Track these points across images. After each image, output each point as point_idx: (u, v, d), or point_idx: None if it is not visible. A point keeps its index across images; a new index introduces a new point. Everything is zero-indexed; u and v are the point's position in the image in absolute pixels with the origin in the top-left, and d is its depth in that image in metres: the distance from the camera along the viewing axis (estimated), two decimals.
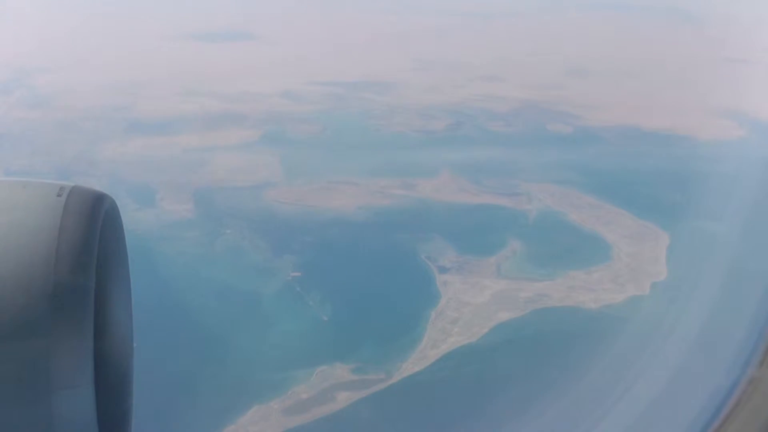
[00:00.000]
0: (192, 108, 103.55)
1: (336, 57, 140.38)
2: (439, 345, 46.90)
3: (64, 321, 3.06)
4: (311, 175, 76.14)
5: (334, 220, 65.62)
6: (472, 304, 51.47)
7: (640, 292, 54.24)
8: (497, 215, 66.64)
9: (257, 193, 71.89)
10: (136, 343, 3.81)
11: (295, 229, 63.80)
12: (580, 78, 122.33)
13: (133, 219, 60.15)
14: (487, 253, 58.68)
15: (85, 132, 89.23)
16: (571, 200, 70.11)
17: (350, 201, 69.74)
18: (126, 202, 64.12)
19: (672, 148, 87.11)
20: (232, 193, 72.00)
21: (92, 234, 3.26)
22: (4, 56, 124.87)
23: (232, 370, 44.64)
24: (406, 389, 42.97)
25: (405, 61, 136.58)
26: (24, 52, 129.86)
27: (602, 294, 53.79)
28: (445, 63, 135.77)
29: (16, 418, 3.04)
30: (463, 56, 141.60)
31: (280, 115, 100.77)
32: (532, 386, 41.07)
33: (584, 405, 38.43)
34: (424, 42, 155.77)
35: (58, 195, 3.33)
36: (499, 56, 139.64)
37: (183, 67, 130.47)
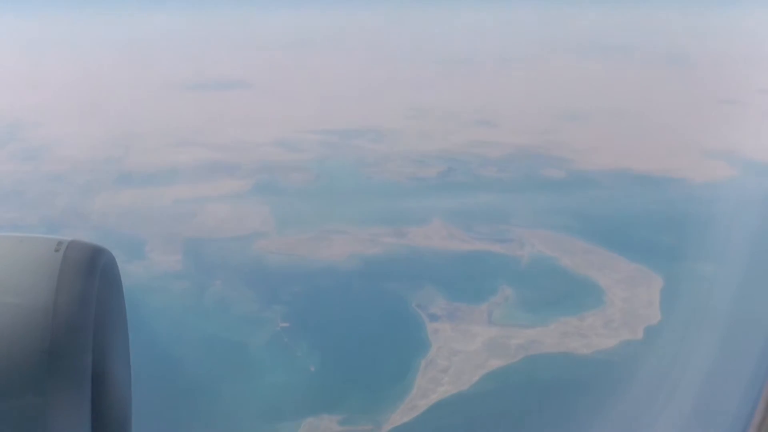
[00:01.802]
0: (184, 158, 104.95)
1: (329, 105, 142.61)
2: (429, 394, 47.10)
3: (61, 378, 3.04)
4: (302, 225, 76.96)
5: (324, 269, 66.23)
6: (462, 352, 51.78)
7: (634, 337, 54.52)
8: (489, 262, 67.28)
9: (247, 243, 72.60)
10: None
11: (284, 279, 64.34)
12: (573, 122, 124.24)
13: (122, 271, 60.52)
14: (478, 300, 59.16)
15: (75, 184, 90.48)
16: (564, 245, 70.79)
17: (341, 250, 70.45)
18: (115, 253, 63.98)
19: (665, 191, 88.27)
20: (222, 243, 72.69)
21: (90, 289, 3.26)
22: None
23: (219, 422, 44.77)
24: None
25: (398, 108, 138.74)
26: (17, 104, 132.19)
27: (595, 339, 54.09)
28: (438, 109, 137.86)
29: None
30: (457, 102, 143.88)
31: (272, 164, 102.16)
32: None
33: None
34: (418, 89, 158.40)
35: (56, 250, 3.34)
36: (492, 102, 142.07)
37: (175, 117, 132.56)
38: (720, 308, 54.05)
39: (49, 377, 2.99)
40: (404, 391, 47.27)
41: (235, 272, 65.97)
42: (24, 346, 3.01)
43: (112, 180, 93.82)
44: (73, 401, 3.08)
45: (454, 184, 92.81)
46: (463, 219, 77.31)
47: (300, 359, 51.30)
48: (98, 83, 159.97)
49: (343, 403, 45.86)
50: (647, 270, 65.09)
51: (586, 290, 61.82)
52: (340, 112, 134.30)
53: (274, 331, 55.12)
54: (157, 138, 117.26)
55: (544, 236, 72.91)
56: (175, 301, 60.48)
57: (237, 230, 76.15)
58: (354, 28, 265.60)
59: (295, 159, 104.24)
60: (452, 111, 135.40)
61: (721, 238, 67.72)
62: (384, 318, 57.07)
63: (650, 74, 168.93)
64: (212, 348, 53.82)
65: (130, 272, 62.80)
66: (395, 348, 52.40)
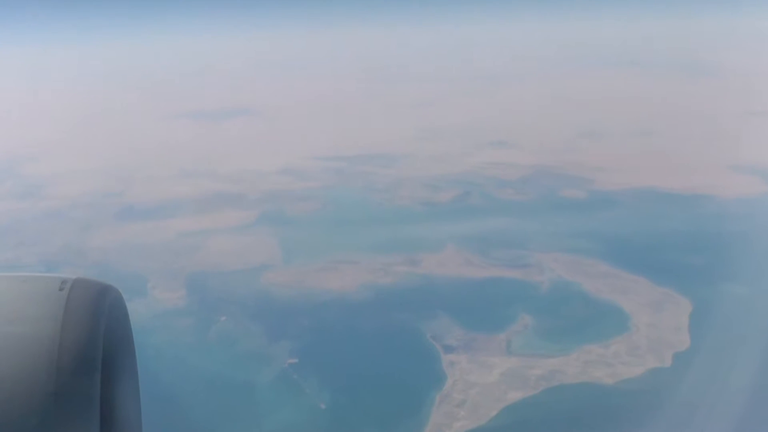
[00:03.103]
0: (187, 190, 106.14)
1: (337, 130, 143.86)
2: (444, 430, 47.01)
3: (67, 422, 3.05)
4: (310, 255, 77.42)
5: (333, 301, 66.51)
6: (479, 385, 51.70)
7: (661, 365, 54.17)
8: (506, 288, 67.30)
9: (253, 276, 73.07)
10: None
11: (292, 312, 64.64)
12: (592, 139, 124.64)
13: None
14: (495, 329, 59.14)
15: (74, 220, 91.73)
16: (585, 269, 70.73)
17: (351, 281, 70.75)
18: None
19: (693, 208, 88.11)
20: (227, 277, 73.22)
21: (96, 329, 3.30)
22: None
23: None
24: None
25: (409, 130, 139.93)
26: (13, 141, 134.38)
27: (620, 368, 53.79)
28: (451, 130, 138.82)
29: None
30: (471, 122, 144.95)
31: (278, 193, 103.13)
32: None
33: None
34: (430, 110, 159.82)
35: (60, 289, 3.39)
36: (508, 121, 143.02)
37: (177, 147, 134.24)
38: (754, 333, 53.79)
39: (54, 422, 3.01)
40: (419, 428, 47.22)
41: (240, 307, 66.37)
42: (28, 389, 3.03)
43: (112, 215, 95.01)
44: None
45: (468, 208, 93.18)
46: (479, 244, 77.52)
47: (309, 397, 51.40)
48: (96, 114, 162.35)
49: None
50: (675, 293, 64.86)
51: (609, 316, 61.63)
52: (348, 137, 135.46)
53: (282, 368, 55.29)
54: (159, 170, 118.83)
55: (564, 260, 72.90)
56: (178, 339, 60.86)
57: (242, 263, 76.70)
58: (361, 48, 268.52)
59: (301, 187, 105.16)
60: (465, 132, 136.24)
61: (754, 257, 67.54)
62: (397, 351, 57.11)
63: (673, 87, 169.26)
64: (217, 388, 54.00)
65: (131, 311, 62.63)
66: (409, 382, 52.38)
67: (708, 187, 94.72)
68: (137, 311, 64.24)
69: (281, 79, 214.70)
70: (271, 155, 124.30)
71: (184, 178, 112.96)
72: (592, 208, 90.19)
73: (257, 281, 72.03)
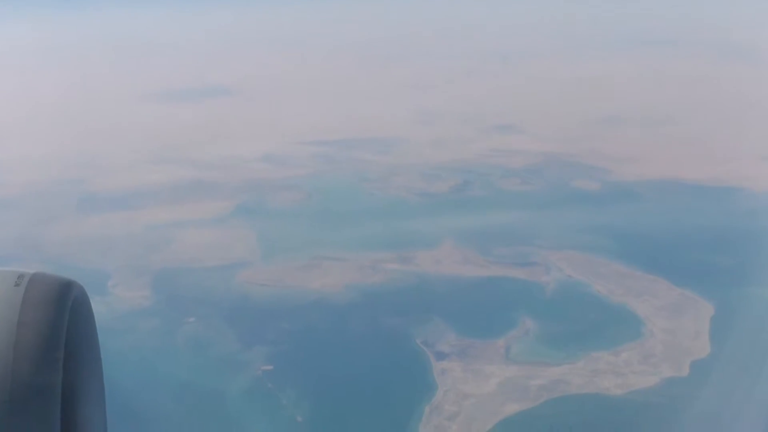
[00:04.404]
0: (157, 178, 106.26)
1: (327, 111, 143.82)
2: None
3: (24, 424, 3.10)
4: (292, 251, 77.63)
5: (316, 302, 66.74)
6: (474, 396, 51.93)
7: (677, 374, 54.38)
8: (508, 289, 67.58)
9: (228, 274, 73.28)
10: None
11: (270, 314, 64.87)
12: (611, 125, 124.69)
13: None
14: (494, 334, 59.38)
15: (29, 211, 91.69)
16: (597, 269, 70.97)
17: (336, 279, 70.97)
18: None
19: (720, 202, 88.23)
20: (199, 274, 73.43)
21: (58, 326, 3.33)
22: None
23: None
24: None
25: (407, 112, 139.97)
26: None
27: (631, 378, 54.03)
28: (454, 113, 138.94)
29: None
30: (476, 104, 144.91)
31: (258, 182, 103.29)
32: None
33: None
34: (430, 90, 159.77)
35: (17, 284, 3.44)
36: (517, 103, 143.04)
37: (147, 131, 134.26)
38: None
39: (9, 424, 3.04)
40: None
41: (212, 308, 66.57)
42: None
43: (73, 205, 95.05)
44: None
45: (469, 199, 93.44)
46: (480, 240, 77.74)
47: (285, 408, 51.62)
48: (56, 95, 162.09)
49: None
50: (695, 296, 65.14)
51: (621, 320, 61.90)
52: (338, 120, 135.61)
53: (256, 376, 55.51)
54: (126, 155, 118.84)
55: (573, 258, 73.14)
56: (141, 342, 61.02)
57: (216, 259, 76.92)
58: (355, 21, 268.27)
59: (284, 175, 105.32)
60: (469, 114, 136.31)
61: None
62: (384, 358, 57.35)
63: (703, 68, 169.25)
64: (183, 397, 54.17)
65: None
66: (396, 392, 52.56)
67: (738, 179, 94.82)
68: (97, 312, 63.51)
69: (265, 55, 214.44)
70: (251, 139, 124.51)
71: (155, 165, 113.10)
72: (607, 201, 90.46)
73: (232, 279, 72.22)
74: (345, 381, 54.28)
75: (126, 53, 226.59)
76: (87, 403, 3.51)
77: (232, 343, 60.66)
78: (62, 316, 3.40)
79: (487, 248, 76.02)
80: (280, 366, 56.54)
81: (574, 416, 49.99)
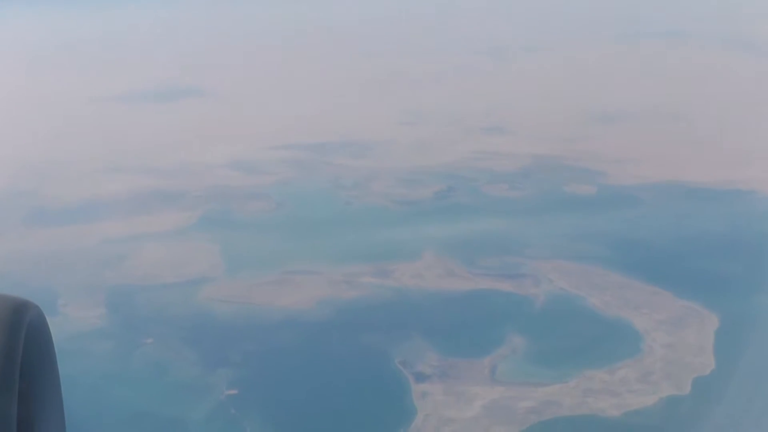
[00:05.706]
0: (114, 187, 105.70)
1: (300, 112, 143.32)
2: None
3: None
4: (259, 265, 77.50)
5: (285, 321, 66.63)
6: (457, 420, 51.92)
7: (678, 392, 54.55)
8: (494, 303, 67.69)
9: (189, 290, 73.05)
10: None
11: (235, 334, 64.73)
12: (607, 124, 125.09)
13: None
14: (478, 353, 59.40)
15: None
16: (592, 279, 71.16)
17: (308, 295, 70.88)
18: None
19: (728, 206, 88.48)
20: (157, 292, 73.15)
21: (13, 352, 3.33)
22: None
23: None
24: None
25: (387, 114, 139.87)
26: None
27: (628, 397, 54.17)
28: (438, 113, 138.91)
29: None
30: (462, 103, 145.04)
31: (224, 190, 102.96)
32: None
33: None
34: (411, 89, 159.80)
35: None
36: (505, 102, 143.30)
37: (104, 136, 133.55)
38: None
39: None
40: None
41: (171, 328, 66.35)
42: None
43: (20, 218, 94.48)
44: None
45: (453, 206, 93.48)
46: (464, 251, 77.81)
47: None
48: (6, 97, 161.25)
49: None
50: (699, 307, 65.35)
51: (618, 335, 62.10)
52: (312, 121, 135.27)
53: (219, 401, 55.29)
54: (81, 164, 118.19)
55: (566, 269, 73.30)
56: (94, 366, 60.67)
57: (177, 275, 76.68)
58: (332, 14, 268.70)
59: (252, 183, 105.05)
60: (454, 115, 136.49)
61: None
62: (359, 380, 57.31)
63: (709, 62, 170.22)
64: (142, 426, 53.97)
65: None
66: (372, 418, 52.57)
67: (748, 181, 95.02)
68: None
69: (240, 52, 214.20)
70: (218, 144, 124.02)
71: (112, 173, 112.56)
72: (603, 206, 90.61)
73: (193, 297, 72.00)
74: (316, 406, 54.20)
75: (87, 52, 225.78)
76: (45, 427, 3.52)
77: (194, 366, 60.45)
78: (17, 341, 3.38)
79: (473, 259, 76.09)
80: (246, 390, 56.38)
81: None
